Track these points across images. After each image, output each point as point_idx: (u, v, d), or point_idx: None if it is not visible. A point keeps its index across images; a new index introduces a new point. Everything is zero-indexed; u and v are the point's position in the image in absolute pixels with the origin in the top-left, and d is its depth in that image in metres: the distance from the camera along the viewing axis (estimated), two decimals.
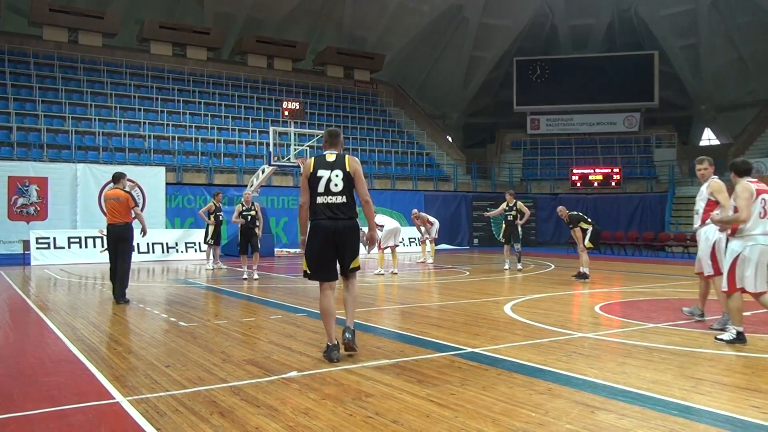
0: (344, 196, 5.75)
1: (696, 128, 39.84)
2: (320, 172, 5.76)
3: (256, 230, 13.83)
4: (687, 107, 39.08)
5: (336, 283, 5.85)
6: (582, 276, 12.95)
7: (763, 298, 6.36)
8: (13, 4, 28.99)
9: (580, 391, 4.70)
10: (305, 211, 5.91)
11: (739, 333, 6.32)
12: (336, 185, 5.73)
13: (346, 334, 5.73)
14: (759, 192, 6.41)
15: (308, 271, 5.82)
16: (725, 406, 4.33)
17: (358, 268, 5.94)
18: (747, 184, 6.39)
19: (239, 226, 14.08)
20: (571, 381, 5.00)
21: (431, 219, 18.34)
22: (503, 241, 15.66)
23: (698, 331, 7.09)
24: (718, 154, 33.37)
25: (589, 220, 13.55)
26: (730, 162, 6.98)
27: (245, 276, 13.40)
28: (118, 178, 10.18)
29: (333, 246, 5.74)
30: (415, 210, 18.70)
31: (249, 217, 13.83)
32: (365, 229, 6.29)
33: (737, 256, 6.34)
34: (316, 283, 5.83)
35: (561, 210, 13.83)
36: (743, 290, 6.31)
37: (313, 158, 5.99)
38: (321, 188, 5.74)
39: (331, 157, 5.85)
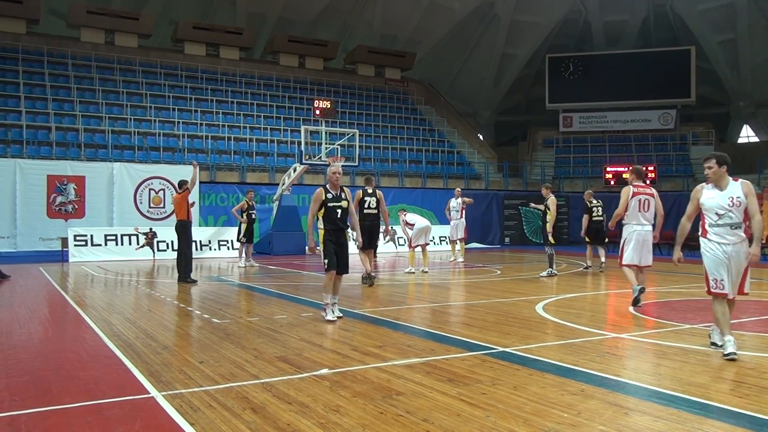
0: (376, 210, 11.83)
1: (734, 125, 38.96)
2: (365, 198, 11.70)
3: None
4: (725, 104, 38.23)
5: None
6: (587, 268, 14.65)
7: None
8: (52, 7, 29.70)
9: (613, 393, 4.63)
10: (355, 216, 9.81)
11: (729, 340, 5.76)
12: (372, 205, 11.77)
13: (367, 274, 11.57)
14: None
15: (359, 245, 9.93)
16: (765, 409, 4.22)
17: (377, 246, 12.44)
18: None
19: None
20: (605, 382, 4.92)
21: (467, 200, 17.85)
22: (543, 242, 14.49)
23: (736, 333, 6.91)
24: (757, 151, 32.66)
25: (595, 213, 15.16)
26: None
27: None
28: (181, 184, 12.98)
29: (368, 234, 11.59)
30: (459, 189, 18.37)
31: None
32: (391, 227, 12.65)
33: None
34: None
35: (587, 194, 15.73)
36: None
37: (361, 190, 11.72)
38: (365, 206, 11.70)
39: (369, 190, 11.83)
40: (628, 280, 8.95)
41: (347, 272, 8.17)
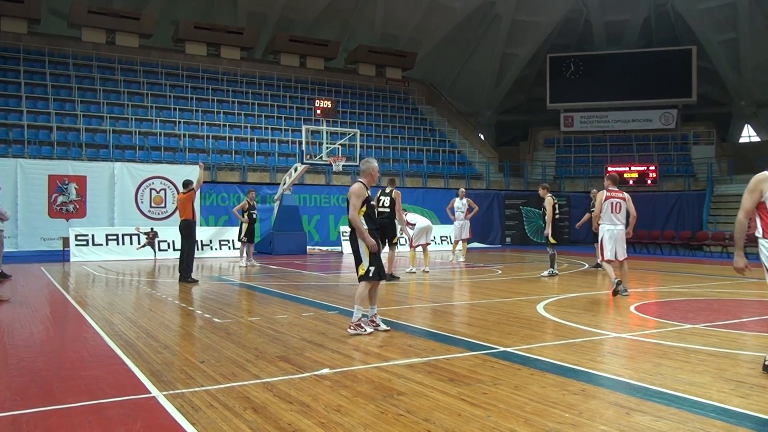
0: (389, 209, 12.07)
1: (735, 125, 38.90)
2: (381, 197, 12.03)
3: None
4: (726, 103, 38.19)
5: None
6: (598, 266, 14.26)
7: None
8: (53, 7, 29.71)
9: (614, 392, 4.64)
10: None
11: None
12: (385, 204, 12.05)
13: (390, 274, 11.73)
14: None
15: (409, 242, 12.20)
16: (766, 409, 4.22)
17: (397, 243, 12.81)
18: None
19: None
20: (606, 382, 4.93)
21: (474, 206, 17.94)
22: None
23: (737, 333, 6.93)
24: (758, 151, 32.64)
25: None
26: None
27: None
28: (186, 184, 12.76)
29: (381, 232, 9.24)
30: (463, 189, 18.34)
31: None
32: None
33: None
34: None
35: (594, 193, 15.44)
36: None
37: (380, 190, 12.32)
38: (379, 205, 11.77)
39: (387, 189, 12.22)
40: (608, 274, 10.11)
41: (384, 279, 7.39)
